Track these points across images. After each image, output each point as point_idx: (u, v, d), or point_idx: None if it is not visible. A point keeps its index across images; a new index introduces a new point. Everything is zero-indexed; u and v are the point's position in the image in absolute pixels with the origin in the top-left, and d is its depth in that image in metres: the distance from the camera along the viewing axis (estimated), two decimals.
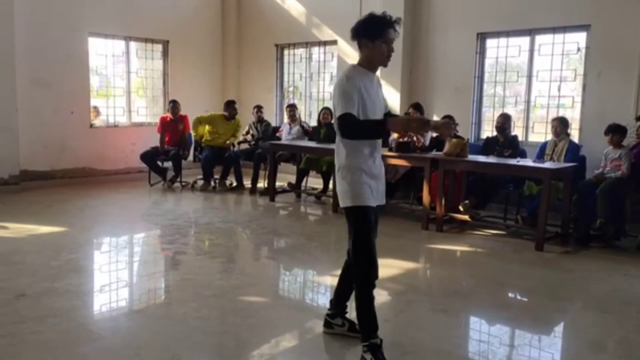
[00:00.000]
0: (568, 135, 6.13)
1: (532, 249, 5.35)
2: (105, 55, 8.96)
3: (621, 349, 3.39)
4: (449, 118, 6.34)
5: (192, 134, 8.60)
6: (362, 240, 2.92)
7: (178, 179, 8.45)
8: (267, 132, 8.68)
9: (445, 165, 5.98)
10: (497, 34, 7.32)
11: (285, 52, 9.95)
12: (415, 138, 6.56)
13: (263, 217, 6.85)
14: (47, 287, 4.03)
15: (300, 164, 7.80)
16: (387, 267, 4.28)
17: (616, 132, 5.60)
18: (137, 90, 9.59)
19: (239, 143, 8.76)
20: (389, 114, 3.19)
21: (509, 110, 7.26)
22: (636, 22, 6.14)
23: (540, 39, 6.97)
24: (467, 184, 6.38)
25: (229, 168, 8.40)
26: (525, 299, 4.33)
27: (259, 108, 8.82)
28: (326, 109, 7.86)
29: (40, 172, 8.18)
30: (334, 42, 8.96)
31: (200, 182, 8.44)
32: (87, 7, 8.45)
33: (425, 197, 6.12)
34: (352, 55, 8.37)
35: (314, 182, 8.20)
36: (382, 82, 3.27)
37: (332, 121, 6.33)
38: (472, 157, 6.02)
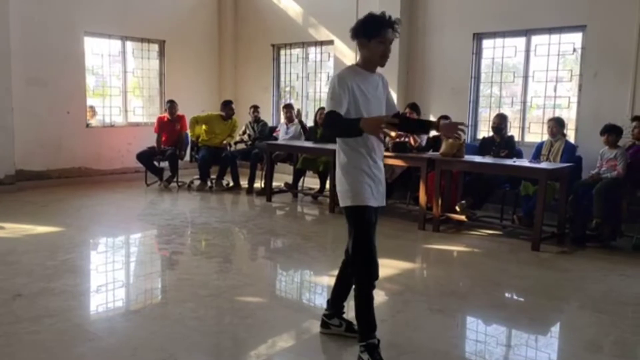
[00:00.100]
0: (564, 135, 6.14)
1: (529, 249, 5.36)
2: (101, 55, 8.94)
3: (617, 349, 3.40)
4: (445, 118, 6.34)
5: (189, 133, 8.59)
6: (362, 240, 2.93)
7: (174, 179, 8.45)
8: (263, 132, 8.69)
9: (442, 165, 5.99)
10: (493, 35, 7.34)
11: (282, 52, 9.95)
12: (411, 138, 6.58)
13: (260, 217, 6.84)
14: (43, 287, 4.02)
15: (297, 164, 7.80)
16: (384, 267, 4.21)
17: (612, 132, 5.62)
18: (134, 90, 9.57)
19: (236, 143, 8.76)
20: (398, 115, 3.17)
21: (505, 110, 7.28)
22: (631, 22, 6.16)
23: (536, 39, 6.99)
24: (463, 184, 6.39)
25: (226, 168, 8.39)
26: (521, 299, 4.34)
27: (255, 108, 8.82)
28: (322, 109, 7.84)
29: (36, 172, 8.15)
30: (331, 42, 8.96)
31: (197, 182, 8.43)
32: (84, 7, 8.43)
33: (422, 197, 6.13)
34: (348, 55, 8.39)
35: (311, 182, 8.21)
36: None
37: None
38: (468, 157, 6.05)
